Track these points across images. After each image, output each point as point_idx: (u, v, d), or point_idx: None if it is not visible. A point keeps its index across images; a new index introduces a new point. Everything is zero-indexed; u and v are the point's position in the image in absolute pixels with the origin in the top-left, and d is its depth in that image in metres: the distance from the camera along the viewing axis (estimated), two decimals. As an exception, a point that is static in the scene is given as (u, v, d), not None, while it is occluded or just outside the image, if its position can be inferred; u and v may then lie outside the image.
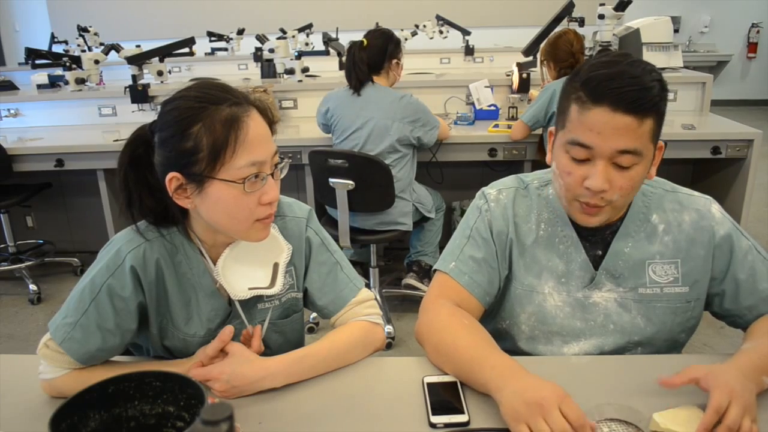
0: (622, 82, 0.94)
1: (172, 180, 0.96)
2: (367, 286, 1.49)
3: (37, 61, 4.27)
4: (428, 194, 2.91)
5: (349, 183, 2.55)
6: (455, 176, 3.48)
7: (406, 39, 5.68)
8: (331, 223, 2.74)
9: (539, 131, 2.89)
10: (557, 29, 3.07)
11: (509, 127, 3.00)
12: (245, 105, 0.97)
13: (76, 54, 4.45)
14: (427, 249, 3.02)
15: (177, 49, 3.53)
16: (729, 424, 0.82)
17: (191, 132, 0.94)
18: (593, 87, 0.96)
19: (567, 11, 3.24)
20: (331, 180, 2.58)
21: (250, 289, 1.06)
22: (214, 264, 1.06)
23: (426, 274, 3.02)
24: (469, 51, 5.98)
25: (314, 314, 2.79)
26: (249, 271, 1.07)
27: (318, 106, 2.85)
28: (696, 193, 1.16)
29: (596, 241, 1.13)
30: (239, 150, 0.94)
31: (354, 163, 2.53)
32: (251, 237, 1.03)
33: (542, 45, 3.06)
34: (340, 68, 4.97)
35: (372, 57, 2.68)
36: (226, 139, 0.94)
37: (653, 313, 1.12)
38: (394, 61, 2.74)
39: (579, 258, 1.12)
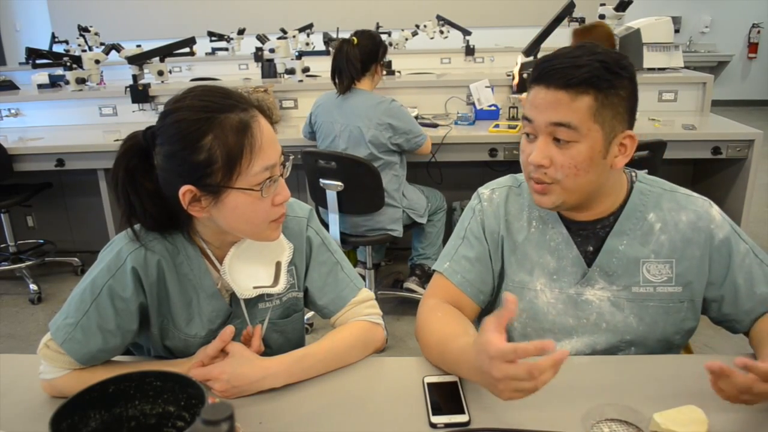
0: (556, 61, 1.00)
1: (186, 193, 0.95)
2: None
3: (38, 61, 4.26)
4: (422, 198, 2.83)
5: (339, 184, 2.51)
6: (456, 176, 3.47)
7: (406, 39, 5.69)
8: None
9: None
10: (588, 22, 2.91)
11: (510, 127, 2.99)
12: (250, 109, 0.97)
13: (77, 54, 4.45)
14: (429, 251, 2.98)
15: (177, 48, 3.54)
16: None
17: (202, 144, 0.92)
18: (535, 68, 1.04)
19: (567, 11, 3.24)
20: (322, 181, 2.55)
21: (254, 288, 1.06)
22: (221, 264, 1.06)
23: (429, 279, 2.96)
24: (469, 51, 5.99)
25: (308, 315, 2.78)
26: (253, 271, 1.07)
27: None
28: (694, 194, 1.15)
29: (587, 236, 1.13)
30: (254, 157, 0.94)
31: (342, 165, 2.49)
32: (266, 238, 1.04)
33: (572, 32, 2.87)
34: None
35: (362, 57, 2.59)
36: (241, 148, 0.93)
37: (645, 312, 1.12)
38: (380, 64, 2.68)
39: (570, 254, 1.13)
